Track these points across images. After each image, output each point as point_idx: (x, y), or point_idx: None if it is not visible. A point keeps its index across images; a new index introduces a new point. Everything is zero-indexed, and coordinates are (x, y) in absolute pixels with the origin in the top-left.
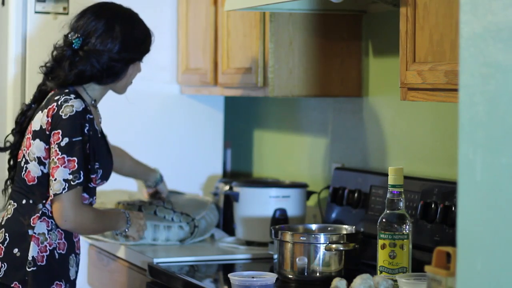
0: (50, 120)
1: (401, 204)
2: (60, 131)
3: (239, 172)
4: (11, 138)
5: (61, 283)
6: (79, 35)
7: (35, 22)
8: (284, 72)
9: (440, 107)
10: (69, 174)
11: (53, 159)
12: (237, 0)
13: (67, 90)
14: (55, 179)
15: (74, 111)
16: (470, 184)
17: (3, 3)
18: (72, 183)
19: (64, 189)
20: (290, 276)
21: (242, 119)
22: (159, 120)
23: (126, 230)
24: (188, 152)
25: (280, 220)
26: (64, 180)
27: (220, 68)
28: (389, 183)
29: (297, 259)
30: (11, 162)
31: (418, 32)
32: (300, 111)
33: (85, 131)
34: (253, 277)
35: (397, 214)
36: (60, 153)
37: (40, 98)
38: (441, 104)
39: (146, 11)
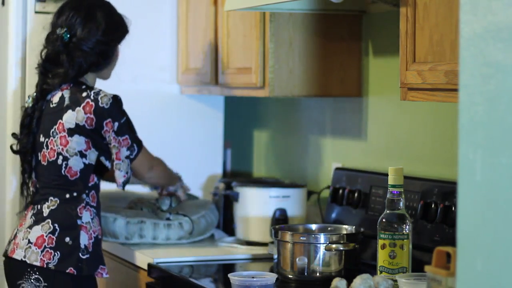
0: (91, 116)
1: (401, 204)
2: (110, 119)
3: (239, 172)
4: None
5: (104, 266)
6: (65, 29)
7: (35, 22)
8: (284, 72)
9: (440, 107)
10: (127, 150)
11: (113, 145)
12: (237, 0)
13: (84, 86)
14: (120, 160)
15: (110, 98)
16: (470, 184)
17: (3, 3)
18: (131, 156)
19: (130, 159)
20: (290, 276)
21: (242, 119)
22: (159, 120)
23: (177, 189)
24: (188, 152)
25: (280, 220)
26: (125, 157)
27: (220, 68)
28: (389, 183)
29: (297, 259)
30: (25, 166)
31: (418, 32)
32: (300, 111)
33: (124, 110)
34: (253, 277)
35: (397, 214)
36: (115, 137)
37: (42, 97)
38: (441, 104)
39: (146, 11)
